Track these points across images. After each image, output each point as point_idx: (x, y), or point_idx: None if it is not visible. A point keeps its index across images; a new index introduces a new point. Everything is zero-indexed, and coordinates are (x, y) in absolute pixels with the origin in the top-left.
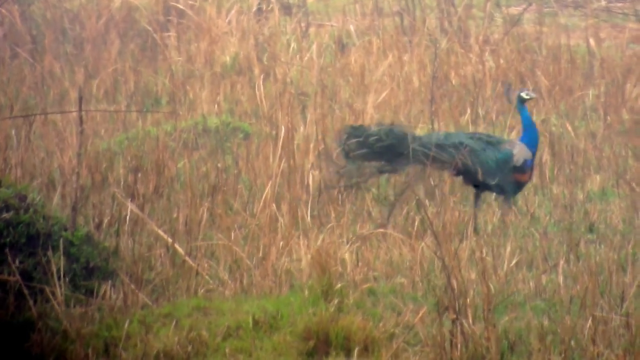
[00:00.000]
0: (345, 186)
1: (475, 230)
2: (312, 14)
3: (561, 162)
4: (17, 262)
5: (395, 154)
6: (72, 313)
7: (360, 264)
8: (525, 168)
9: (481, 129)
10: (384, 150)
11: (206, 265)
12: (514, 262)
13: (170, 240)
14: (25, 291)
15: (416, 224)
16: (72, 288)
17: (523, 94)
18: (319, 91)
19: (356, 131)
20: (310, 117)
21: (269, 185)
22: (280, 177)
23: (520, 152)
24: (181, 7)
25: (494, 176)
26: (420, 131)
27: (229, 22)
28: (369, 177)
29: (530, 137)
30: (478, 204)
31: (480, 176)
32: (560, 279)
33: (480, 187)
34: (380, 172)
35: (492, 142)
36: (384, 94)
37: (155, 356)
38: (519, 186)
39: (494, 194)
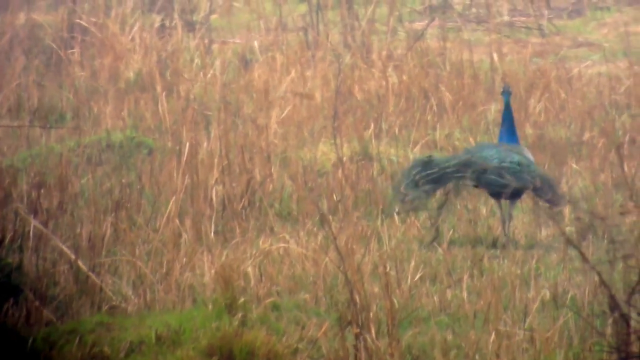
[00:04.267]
0: (410, 209)
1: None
2: (216, 30)
3: None
4: None
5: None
6: None
7: (263, 278)
8: None
9: (384, 143)
10: (456, 181)
11: (110, 281)
12: (417, 276)
13: (73, 256)
14: None
15: (319, 238)
16: None
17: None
18: (222, 107)
19: (428, 165)
20: (213, 133)
21: (173, 200)
22: (184, 192)
23: (531, 158)
24: (84, 24)
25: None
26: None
27: (132, 39)
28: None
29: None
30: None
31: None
32: (464, 293)
33: (502, 196)
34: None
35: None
36: (287, 110)
37: None
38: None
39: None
